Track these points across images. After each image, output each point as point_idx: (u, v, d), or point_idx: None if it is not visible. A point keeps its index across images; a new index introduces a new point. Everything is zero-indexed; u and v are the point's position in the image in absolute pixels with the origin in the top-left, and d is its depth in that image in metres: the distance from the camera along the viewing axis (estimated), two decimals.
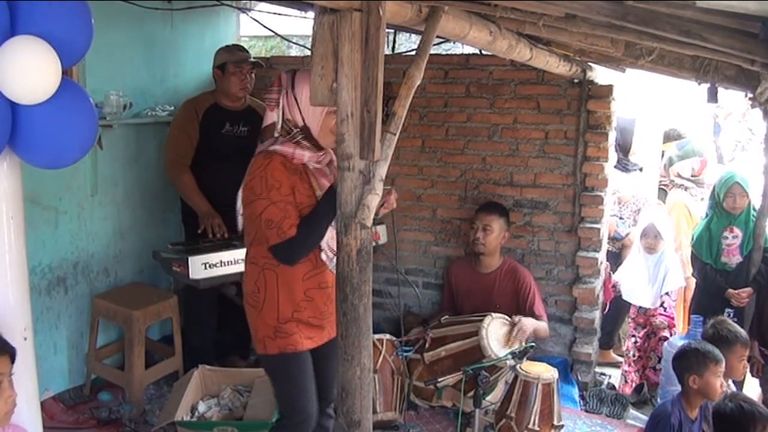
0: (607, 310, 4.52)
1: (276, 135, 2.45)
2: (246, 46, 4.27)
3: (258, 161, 2.42)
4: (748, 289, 3.79)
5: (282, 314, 2.48)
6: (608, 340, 4.65)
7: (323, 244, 2.44)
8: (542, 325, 3.82)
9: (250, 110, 3.96)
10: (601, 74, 4.18)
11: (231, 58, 3.84)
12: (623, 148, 5.02)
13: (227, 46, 3.96)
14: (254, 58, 4.00)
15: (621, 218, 4.83)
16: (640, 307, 4.30)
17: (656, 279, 4.20)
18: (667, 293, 4.23)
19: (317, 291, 2.51)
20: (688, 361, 2.80)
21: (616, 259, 4.70)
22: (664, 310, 4.24)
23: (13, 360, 1.86)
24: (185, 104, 3.97)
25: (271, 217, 2.35)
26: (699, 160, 4.88)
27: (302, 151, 2.42)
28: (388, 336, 3.67)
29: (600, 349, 4.56)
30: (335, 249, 2.40)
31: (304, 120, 2.40)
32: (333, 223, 2.41)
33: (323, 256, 2.47)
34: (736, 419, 2.56)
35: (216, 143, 3.85)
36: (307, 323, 2.52)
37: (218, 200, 3.66)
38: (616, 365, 4.48)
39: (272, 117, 2.45)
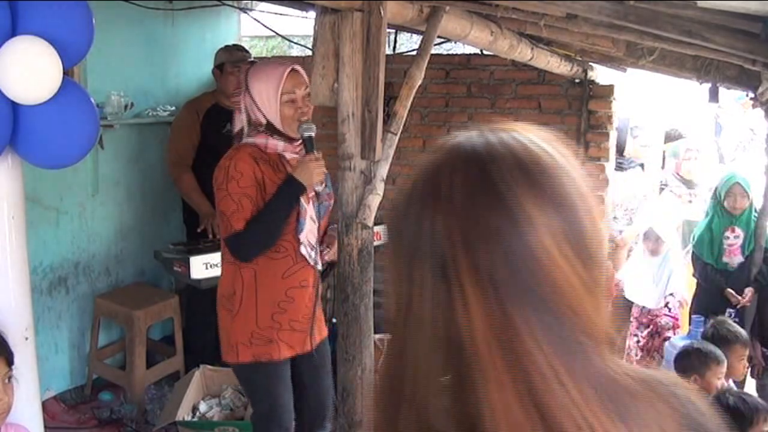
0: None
1: (243, 140, 2.37)
2: (247, 47, 4.27)
3: (228, 153, 2.35)
4: (750, 289, 3.78)
5: (261, 318, 2.36)
6: None
7: (302, 237, 2.33)
8: None
9: None
10: (602, 74, 4.18)
11: (229, 58, 3.84)
12: (618, 148, 5.01)
13: (226, 46, 3.96)
14: (255, 58, 4.00)
15: (615, 217, 4.82)
16: (643, 307, 4.29)
17: (660, 280, 4.20)
18: (671, 294, 4.23)
19: (299, 290, 2.38)
20: (690, 361, 2.80)
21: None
22: (669, 311, 4.23)
23: (9, 363, 1.85)
24: (186, 105, 3.97)
25: (224, 209, 2.27)
26: (675, 162, 4.93)
27: (275, 141, 2.33)
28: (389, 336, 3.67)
29: None
30: (314, 243, 2.39)
31: (265, 117, 2.31)
32: (315, 217, 2.37)
33: (303, 251, 2.34)
34: (740, 411, 2.54)
35: (217, 143, 3.84)
36: (289, 328, 2.38)
37: None
38: None
39: (241, 120, 2.37)
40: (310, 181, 2.25)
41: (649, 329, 4.26)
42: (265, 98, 2.29)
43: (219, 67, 3.87)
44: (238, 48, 3.97)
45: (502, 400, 0.59)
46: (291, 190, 2.26)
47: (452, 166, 0.67)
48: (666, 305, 4.23)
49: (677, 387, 0.72)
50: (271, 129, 2.33)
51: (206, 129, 3.87)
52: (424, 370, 0.65)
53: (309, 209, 2.34)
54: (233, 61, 3.82)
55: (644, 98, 5.66)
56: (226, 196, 2.28)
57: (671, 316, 4.23)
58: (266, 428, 2.48)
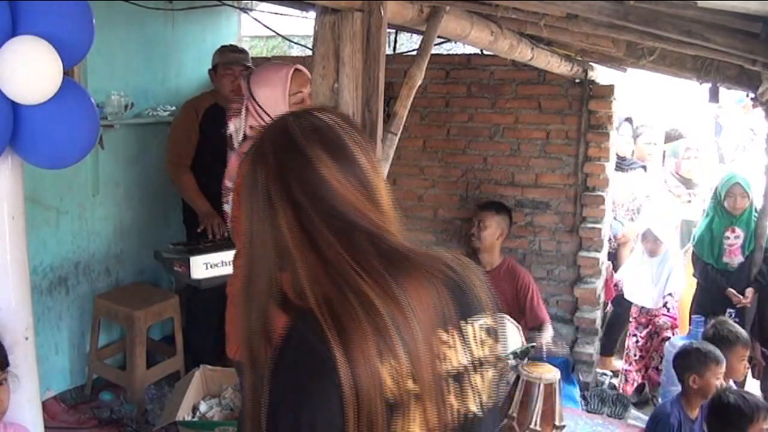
0: (608, 309, 4.51)
1: (235, 146, 2.37)
2: (247, 47, 4.27)
3: None
4: (751, 290, 3.78)
5: None
6: (610, 346, 4.63)
7: None
8: (547, 335, 3.78)
9: None
10: (602, 74, 4.18)
11: (221, 59, 3.83)
12: None
13: (222, 47, 3.95)
14: (254, 58, 3.99)
15: (615, 218, 4.82)
16: (642, 307, 4.30)
17: (659, 279, 4.20)
18: (670, 294, 4.23)
19: None
20: (689, 361, 2.80)
21: (613, 258, 4.69)
22: (668, 311, 4.23)
23: (1, 366, 1.82)
24: (185, 105, 3.97)
25: None
26: (675, 162, 4.95)
27: None
28: None
29: (601, 356, 4.56)
30: None
31: None
32: None
33: None
34: (741, 408, 2.55)
35: (216, 144, 3.83)
36: None
37: (219, 201, 3.65)
38: (616, 374, 4.47)
39: (230, 128, 2.37)
40: None
41: (648, 329, 4.26)
42: (273, 103, 2.29)
43: (214, 69, 3.87)
44: (232, 49, 3.95)
45: (305, 265, 1.01)
46: None
47: (270, 133, 1.10)
48: (665, 305, 4.23)
49: (454, 261, 1.11)
50: None
51: (205, 129, 3.86)
52: (267, 264, 1.04)
53: None
54: (225, 63, 3.81)
55: (646, 98, 5.67)
56: None
57: (670, 316, 4.23)
58: None
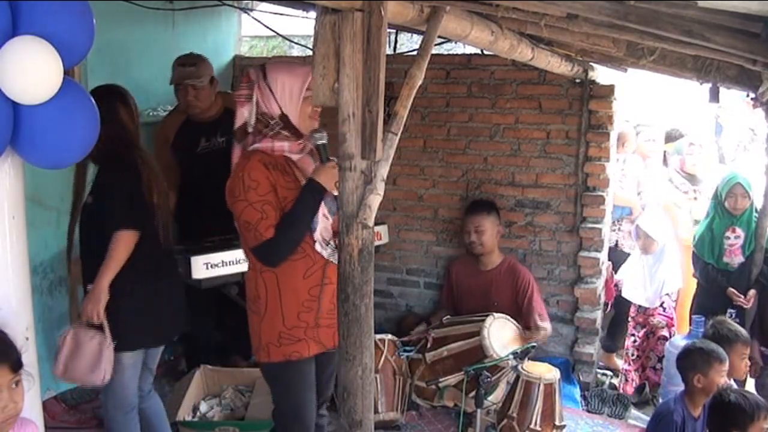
0: (609, 310, 4.52)
1: (249, 131, 2.42)
2: (247, 47, 4.25)
3: (238, 163, 2.42)
4: (752, 291, 3.77)
5: (287, 318, 2.42)
6: (612, 343, 4.63)
7: (316, 234, 2.40)
8: (544, 333, 3.78)
9: (228, 115, 3.51)
10: (602, 74, 4.18)
11: (173, 75, 3.73)
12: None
13: (177, 59, 3.79)
14: (253, 58, 3.97)
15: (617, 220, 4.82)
16: (639, 306, 4.30)
17: (654, 279, 4.20)
18: (667, 294, 4.22)
19: (321, 288, 2.44)
20: (692, 360, 2.80)
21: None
22: (663, 310, 4.23)
23: (14, 369, 1.79)
24: (156, 133, 3.91)
25: (249, 219, 2.32)
26: (679, 159, 4.96)
27: (281, 142, 2.39)
28: (390, 336, 3.67)
29: (604, 352, 4.56)
30: (328, 239, 2.42)
31: (281, 108, 2.38)
32: (327, 214, 2.42)
33: (317, 247, 2.41)
34: (742, 407, 2.56)
35: (193, 165, 3.74)
36: (316, 325, 2.45)
37: (206, 225, 3.50)
38: (617, 374, 4.46)
39: (243, 114, 2.43)
40: (331, 184, 2.32)
41: (645, 329, 4.26)
42: (288, 91, 2.36)
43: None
44: (182, 62, 3.76)
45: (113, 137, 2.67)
46: (313, 192, 2.34)
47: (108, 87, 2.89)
48: (661, 305, 4.23)
49: (152, 157, 2.96)
50: (284, 121, 2.38)
51: (180, 152, 3.80)
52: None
53: (321, 207, 2.40)
54: (176, 81, 3.73)
55: (646, 97, 5.68)
56: (248, 207, 2.33)
57: (665, 316, 4.23)
58: (288, 425, 2.54)
